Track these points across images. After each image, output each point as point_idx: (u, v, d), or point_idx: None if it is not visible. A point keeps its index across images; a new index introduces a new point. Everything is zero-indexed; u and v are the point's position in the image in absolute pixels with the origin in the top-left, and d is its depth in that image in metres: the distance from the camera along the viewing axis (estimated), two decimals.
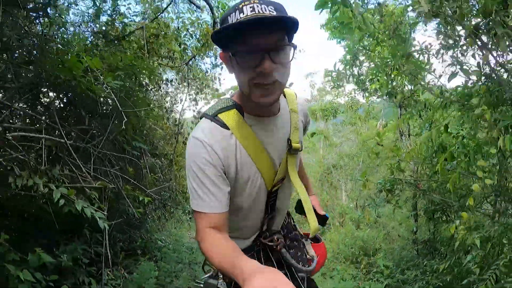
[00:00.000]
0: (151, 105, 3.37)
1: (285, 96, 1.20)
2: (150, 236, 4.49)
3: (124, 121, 2.12)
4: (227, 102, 1.09)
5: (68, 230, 2.53)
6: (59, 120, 2.07)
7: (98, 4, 2.70)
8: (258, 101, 0.98)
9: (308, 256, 1.34)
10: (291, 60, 0.98)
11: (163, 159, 4.16)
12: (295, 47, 0.98)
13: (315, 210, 1.41)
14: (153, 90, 3.34)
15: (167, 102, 4.02)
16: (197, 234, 1.02)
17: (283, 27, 0.93)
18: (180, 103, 4.08)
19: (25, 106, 1.97)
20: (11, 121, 2.01)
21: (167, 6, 2.57)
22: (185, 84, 3.70)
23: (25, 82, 1.92)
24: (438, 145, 2.76)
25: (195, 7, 2.81)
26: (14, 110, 1.75)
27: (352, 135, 11.72)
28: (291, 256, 1.28)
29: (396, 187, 4.35)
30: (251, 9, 0.88)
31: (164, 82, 3.72)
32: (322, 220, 1.49)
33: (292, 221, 1.41)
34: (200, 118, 1.10)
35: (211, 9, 2.63)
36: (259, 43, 0.90)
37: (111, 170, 2.33)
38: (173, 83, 3.87)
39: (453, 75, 2.16)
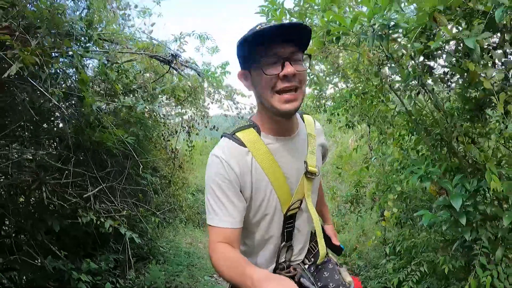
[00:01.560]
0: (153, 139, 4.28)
1: (303, 121, 1.26)
2: (154, 243, 5.36)
3: (140, 167, 3.02)
4: (245, 122, 1.16)
5: (98, 244, 3.42)
6: (94, 167, 2.96)
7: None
8: (281, 108, 1.02)
9: (346, 283, 1.31)
10: (307, 69, 1.06)
11: (163, 180, 5.06)
12: (310, 56, 1.08)
13: (330, 240, 1.47)
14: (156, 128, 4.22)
15: (164, 134, 4.89)
16: (209, 247, 1.05)
17: (298, 40, 1.02)
18: (176, 134, 4.95)
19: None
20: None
21: (164, 74, 3.43)
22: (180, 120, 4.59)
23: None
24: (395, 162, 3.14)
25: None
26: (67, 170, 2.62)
27: (333, 146, 12.66)
28: (317, 286, 1.26)
29: (359, 200, 5.23)
30: (269, 26, 0.97)
31: (163, 117, 4.59)
32: (338, 250, 1.52)
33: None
34: (221, 137, 1.16)
35: (198, 74, 3.49)
36: (280, 51, 1.00)
37: (131, 200, 3.22)
38: (169, 118, 4.75)
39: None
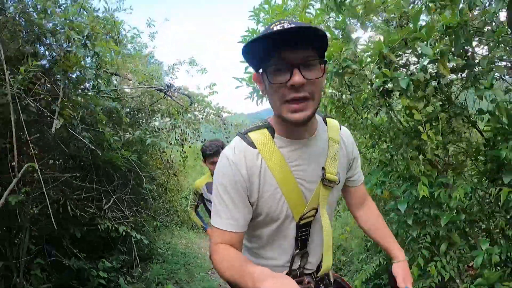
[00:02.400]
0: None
1: (326, 124, 1.17)
2: (153, 245, 5.89)
3: (143, 180, 3.57)
4: (260, 122, 1.10)
5: (109, 246, 3.95)
6: (105, 182, 3.49)
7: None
8: (290, 118, 0.96)
9: None
10: (322, 76, 0.97)
11: (159, 187, 5.60)
12: (325, 63, 0.98)
13: (395, 283, 1.23)
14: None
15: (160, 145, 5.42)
16: (210, 248, 1.04)
17: (311, 42, 0.93)
18: (170, 145, 5.49)
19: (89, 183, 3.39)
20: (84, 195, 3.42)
21: (160, 99, 3.99)
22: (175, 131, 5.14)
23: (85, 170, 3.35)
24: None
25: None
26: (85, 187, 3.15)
27: None
28: None
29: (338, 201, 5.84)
30: (281, 26, 0.90)
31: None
32: None
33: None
34: (236, 136, 1.12)
35: (189, 97, 4.06)
36: (288, 58, 0.91)
37: (135, 208, 3.77)
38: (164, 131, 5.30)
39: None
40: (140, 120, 3.72)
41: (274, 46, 0.91)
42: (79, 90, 2.36)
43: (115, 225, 2.99)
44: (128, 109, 3.17)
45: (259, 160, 1.03)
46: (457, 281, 2.27)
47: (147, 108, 3.77)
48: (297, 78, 0.90)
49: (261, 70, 0.99)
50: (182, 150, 5.46)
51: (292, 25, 0.89)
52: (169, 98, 3.77)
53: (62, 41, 2.36)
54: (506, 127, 1.91)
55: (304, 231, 1.13)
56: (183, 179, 6.73)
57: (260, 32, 1.76)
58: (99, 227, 2.87)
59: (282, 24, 0.91)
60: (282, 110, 0.96)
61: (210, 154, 2.82)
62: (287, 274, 1.15)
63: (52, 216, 1.95)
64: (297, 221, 1.10)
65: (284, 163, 1.04)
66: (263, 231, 1.13)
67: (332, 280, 1.29)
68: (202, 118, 4.88)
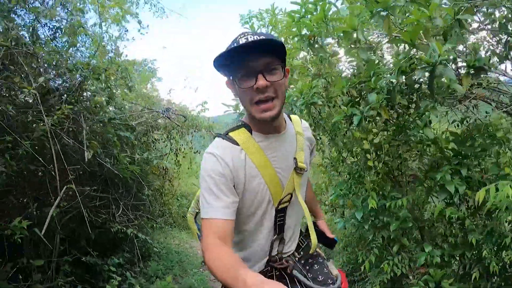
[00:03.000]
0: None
1: (291, 120, 1.34)
2: (149, 244, 6.50)
3: (145, 189, 4.18)
4: (237, 123, 1.25)
5: (114, 246, 4.56)
6: (113, 190, 4.09)
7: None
8: (259, 117, 1.11)
9: (333, 276, 1.40)
10: (283, 78, 1.12)
11: (156, 192, 6.20)
12: (284, 66, 1.14)
13: (324, 235, 1.59)
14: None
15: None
16: (202, 243, 1.08)
17: (271, 50, 1.08)
18: (165, 155, 6.08)
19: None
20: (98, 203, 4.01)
21: (158, 119, 4.62)
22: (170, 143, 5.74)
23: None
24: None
25: None
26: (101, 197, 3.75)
27: None
28: (308, 278, 1.33)
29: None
30: (245, 39, 1.05)
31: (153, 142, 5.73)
32: (331, 243, 1.59)
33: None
34: (214, 138, 1.24)
35: (184, 117, 4.70)
36: (253, 65, 1.06)
37: (137, 212, 4.39)
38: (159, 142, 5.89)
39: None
40: (145, 139, 4.33)
41: (240, 56, 1.06)
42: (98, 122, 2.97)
43: (124, 228, 3.60)
44: (135, 133, 3.78)
45: (242, 155, 1.16)
46: (410, 277, 2.69)
47: (149, 126, 4.39)
48: (261, 82, 1.05)
49: (231, 77, 1.14)
50: (176, 159, 6.08)
51: (255, 37, 1.03)
52: (168, 119, 4.40)
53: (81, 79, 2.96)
54: (446, 154, 2.38)
55: (281, 216, 1.26)
56: (177, 185, 7.32)
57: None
58: (112, 230, 3.48)
59: (246, 36, 1.05)
60: (252, 111, 1.12)
61: None
62: (267, 261, 1.31)
63: (87, 222, 2.55)
64: (276, 205, 1.24)
65: (263, 155, 1.19)
66: (248, 223, 1.25)
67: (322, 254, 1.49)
68: (194, 131, 5.50)
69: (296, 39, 2.78)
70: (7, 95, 2.50)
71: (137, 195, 4.64)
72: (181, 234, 8.60)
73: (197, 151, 5.74)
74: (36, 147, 2.60)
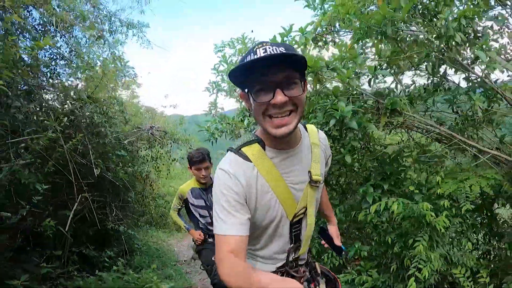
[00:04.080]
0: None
1: (307, 131, 1.32)
2: (132, 241, 7.34)
3: (133, 193, 5.05)
4: (250, 137, 1.21)
5: (107, 241, 5.40)
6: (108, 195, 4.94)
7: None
8: (274, 133, 1.07)
9: (320, 274, 1.45)
10: (303, 93, 1.08)
11: (138, 195, 7.05)
12: (303, 81, 1.10)
13: (332, 240, 1.63)
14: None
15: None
16: (216, 257, 1.08)
17: (292, 64, 1.04)
18: (146, 162, 6.95)
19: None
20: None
21: (142, 134, 5.52)
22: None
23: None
24: None
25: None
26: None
27: None
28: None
29: None
30: (264, 50, 1.01)
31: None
32: (338, 251, 1.61)
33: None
34: (227, 152, 1.22)
35: (166, 132, 5.60)
36: (271, 79, 1.02)
37: (125, 213, 5.26)
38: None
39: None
40: (131, 149, 5.22)
41: (258, 69, 1.02)
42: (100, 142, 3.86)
43: (116, 226, 4.47)
44: (126, 148, 4.68)
45: (254, 171, 1.13)
46: (348, 267, 3.16)
47: (136, 141, 5.29)
48: (279, 98, 1.01)
49: (246, 90, 1.09)
50: (157, 165, 6.95)
51: (274, 49, 1.00)
52: (151, 134, 5.29)
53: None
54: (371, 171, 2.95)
55: (297, 227, 1.25)
56: (157, 188, 8.18)
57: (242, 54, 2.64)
58: (106, 227, 4.35)
59: (265, 47, 1.01)
60: (266, 126, 1.07)
61: (196, 161, 3.04)
62: (283, 265, 1.29)
63: (97, 222, 3.44)
64: (291, 219, 1.22)
65: (276, 172, 1.16)
66: (262, 234, 1.23)
67: (319, 271, 1.48)
68: (173, 142, 6.42)
69: None
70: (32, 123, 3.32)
71: (124, 198, 5.49)
72: (158, 233, 9.44)
73: (174, 159, 6.65)
74: (57, 165, 3.47)
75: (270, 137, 1.14)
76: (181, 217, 3.43)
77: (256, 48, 1.03)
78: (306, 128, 1.32)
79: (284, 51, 1.00)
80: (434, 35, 2.59)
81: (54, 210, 3.53)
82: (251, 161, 1.15)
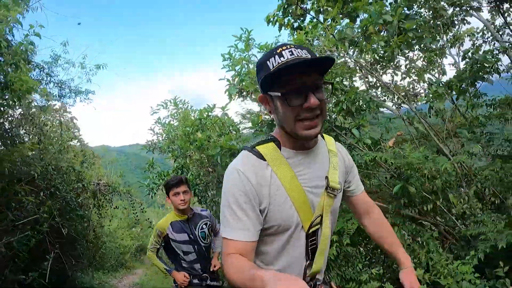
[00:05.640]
0: None
1: (323, 138, 1.29)
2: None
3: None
4: (266, 137, 1.19)
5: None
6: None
7: None
8: (304, 134, 1.06)
9: None
10: (330, 96, 1.12)
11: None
12: (332, 84, 1.17)
13: None
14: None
15: None
16: (222, 259, 1.07)
17: (318, 67, 1.05)
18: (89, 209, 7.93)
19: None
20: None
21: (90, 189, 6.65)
22: None
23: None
24: None
25: None
26: None
27: None
28: None
29: None
30: (290, 53, 1.02)
31: None
32: None
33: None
34: (241, 150, 1.19)
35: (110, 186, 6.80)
36: (304, 83, 1.02)
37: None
38: None
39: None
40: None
41: (289, 72, 1.01)
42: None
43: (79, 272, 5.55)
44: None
45: (268, 170, 1.10)
46: None
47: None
48: (312, 101, 1.01)
49: (274, 93, 1.07)
50: (99, 213, 7.95)
51: (300, 53, 1.03)
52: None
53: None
54: None
55: (313, 241, 1.18)
56: (100, 233, 8.99)
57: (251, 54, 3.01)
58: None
59: (291, 50, 1.03)
60: (296, 128, 1.06)
61: (173, 183, 2.82)
62: None
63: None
64: (307, 229, 1.14)
65: (292, 172, 1.12)
66: (273, 245, 1.15)
67: None
68: (114, 193, 7.57)
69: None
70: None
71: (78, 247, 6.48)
72: (98, 273, 9.96)
73: (116, 207, 7.80)
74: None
75: (290, 137, 1.13)
76: (163, 261, 3.10)
77: (281, 50, 1.04)
78: (323, 136, 1.31)
79: (317, 56, 1.03)
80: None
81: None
82: (265, 160, 1.11)
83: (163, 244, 3.01)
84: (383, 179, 3.55)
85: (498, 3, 5.25)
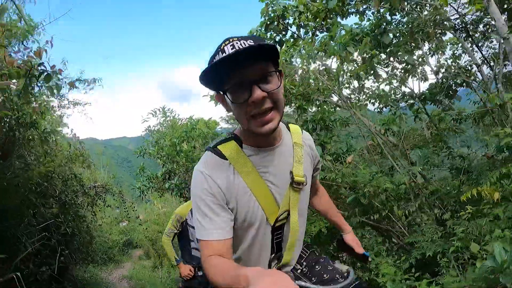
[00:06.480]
0: None
1: (289, 130, 1.25)
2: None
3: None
4: (227, 136, 1.17)
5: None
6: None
7: None
8: (258, 131, 1.01)
9: (343, 272, 1.34)
10: (280, 86, 1.00)
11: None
12: (280, 72, 1.01)
13: (353, 250, 1.50)
14: None
15: None
16: (201, 262, 1.05)
17: (264, 55, 0.97)
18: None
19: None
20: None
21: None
22: None
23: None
24: None
25: None
26: None
27: None
28: (313, 281, 1.30)
29: None
30: (231, 47, 0.93)
31: None
32: (363, 259, 1.50)
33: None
34: (205, 151, 1.16)
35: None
36: (244, 76, 0.95)
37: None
38: None
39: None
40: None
41: (229, 67, 0.95)
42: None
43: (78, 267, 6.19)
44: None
45: (230, 169, 1.09)
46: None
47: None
48: (256, 94, 0.95)
49: (219, 92, 1.03)
50: (93, 211, 8.54)
51: (242, 43, 0.93)
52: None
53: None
54: None
55: (278, 234, 1.20)
56: (93, 228, 9.57)
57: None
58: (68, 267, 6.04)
59: (232, 43, 0.94)
60: (250, 126, 1.02)
61: None
62: None
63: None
64: (273, 224, 1.15)
65: (254, 170, 1.10)
66: (242, 240, 1.17)
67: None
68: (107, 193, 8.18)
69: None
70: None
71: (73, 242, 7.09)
72: (89, 266, 10.52)
73: (108, 205, 8.43)
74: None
75: (250, 135, 1.10)
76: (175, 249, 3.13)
77: (224, 46, 0.96)
78: (288, 128, 1.27)
79: (252, 43, 0.94)
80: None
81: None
82: (227, 159, 1.10)
83: (180, 229, 3.09)
84: (342, 190, 4.08)
85: (467, 31, 5.60)
